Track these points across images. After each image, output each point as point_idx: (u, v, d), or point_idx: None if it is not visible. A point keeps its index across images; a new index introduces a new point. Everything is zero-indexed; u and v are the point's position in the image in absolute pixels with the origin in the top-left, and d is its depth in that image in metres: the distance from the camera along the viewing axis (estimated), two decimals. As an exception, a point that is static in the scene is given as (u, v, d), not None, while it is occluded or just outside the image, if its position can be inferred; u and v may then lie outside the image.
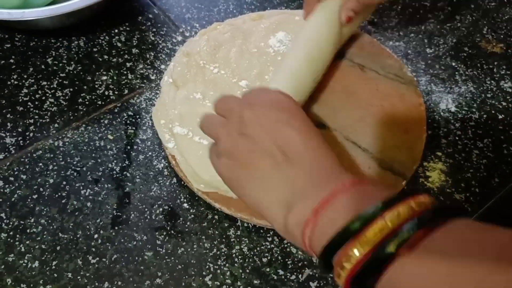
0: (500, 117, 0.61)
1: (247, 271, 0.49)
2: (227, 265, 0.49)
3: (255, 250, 0.50)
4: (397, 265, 0.27)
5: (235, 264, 0.49)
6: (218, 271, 0.49)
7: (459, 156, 0.57)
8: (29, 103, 0.62)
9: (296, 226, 0.34)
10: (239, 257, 0.50)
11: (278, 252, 0.50)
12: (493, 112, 0.61)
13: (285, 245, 0.50)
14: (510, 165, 0.57)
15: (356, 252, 0.28)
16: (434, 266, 0.26)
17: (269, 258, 0.50)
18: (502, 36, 0.70)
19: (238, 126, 0.40)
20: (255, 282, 0.48)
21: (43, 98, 0.62)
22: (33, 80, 0.64)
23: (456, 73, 0.65)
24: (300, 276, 0.48)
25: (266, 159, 0.37)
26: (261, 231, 0.51)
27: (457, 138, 0.59)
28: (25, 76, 0.64)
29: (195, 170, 0.52)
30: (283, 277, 0.49)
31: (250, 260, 0.50)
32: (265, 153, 0.38)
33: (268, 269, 0.49)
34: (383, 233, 0.28)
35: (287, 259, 0.49)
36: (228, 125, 0.41)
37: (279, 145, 0.37)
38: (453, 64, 0.67)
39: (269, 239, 0.51)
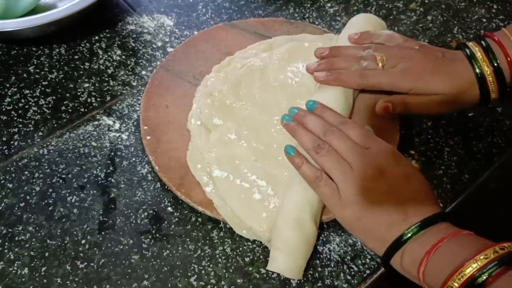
0: (469, 115, 0.64)
1: (231, 270, 0.51)
2: (211, 265, 0.51)
3: (238, 251, 0.52)
4: None
5: (219, 265, 0.51)
6: (203, 271, 0.51)
7: (431, 154, 0.60)
8: (12, 112, 0.63)
9: (411, 265, 0.43)
10: (223, 257, 0.52)
11: (260, 251, 0.52)
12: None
13: (267, 245, 0.52)
14: (480, 162, 0.59)
15: (455, 283, 0.39)
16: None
17: (251, 257, 0.52)
18: (472, 36, 0.73)
19: (364, 182, 0.46)
20: (239, 281, 0.50)
21: (26, 106, 0.63)
22: (15, 89, 0.65)
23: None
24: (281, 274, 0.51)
25: (392, 214, 0.45)
26: (243, 232, 0.53)
27: (429, 136, 0.61)
28: (8, 85, 0.65)
29: (238, 215, 0.52)
30: (265, 275, 0.51)
31: (233, 260, 0.52)
32: (390, 209, 0.46)
33: (250, 268, 0.51)
34: (474, 269, 0.39)
35: (268, 258, 0.51)
36: (354, 176, 0.47)
37: (402, 201, 0.46)
38: (425, 64, 0.69)
39: (251, 239, 0.53)
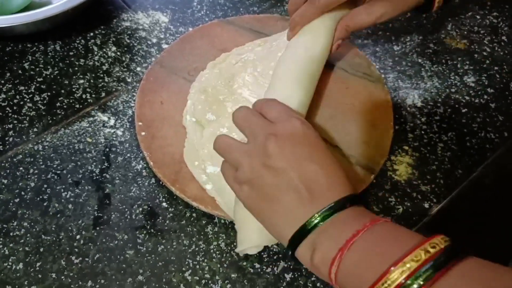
0: (463, 110, 0.64)
1: (225, 265, 0.51)
2: (205, 260, 0.51)
3: (232, 245, 0.52)
4: None
5: (213, 259, 0.51)
6: (197, 266, 0.51)
7: (425, 149, 0.60)
8: (7, 108, 0.63)
9: (321, 263, 0.37)
10: (217, 252, 0.52)
11: (254, 246, 0.52)
12: (456, 106, 0.64)
13: (261, 240, 0.53)
14: (473, 157, 0.60)
15: None
16: None
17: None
18: (465, 33, 0.73)
19: (262, 157, 0.42)
20: (233, 276, 0.51)
21: (21, 103, 0.63)
22: (10, 85, 0.65)
23: (422, 69, 0.68)
24: (275, 268, 0.51)
25: (291, 194, 0.40)
26: (238, 227, 0.54)
27: (423, 132, 0.62)
28: (2, 82, 0.65)
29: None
30: (259, 270, 0.51)
31: (228, 255, 0.52)
32: (290, 188, 0.40)
33: (245, 263, 0.51)
34: (404, 275, 0.32)
35: (262, 253, 0.52)
36: (250, 153, 0.43)
37: (303, 180, 0.40)
38: (419, 60, 0.69)
39: (246, 234, 0.53)
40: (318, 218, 0.38)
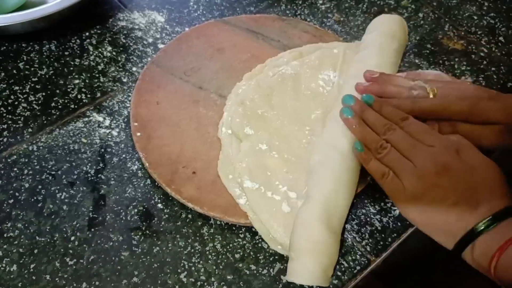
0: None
1: (221, 267, 0.51)
2: (201, 262, 0.51)
3: (228, 247, 0.52)
4: None
5: (209, 261, 0.51)
6: (193, 268, 0.51)
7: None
8: (1, 108, 0.62)
9: (483, 258, 0.43)
10: (213, 254, 0.52)
11: (250, 248, 0.52)
12: (454, 107, 0.64)
13: (257, 241, 0.52)
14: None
15: None
16: None
17: (241, 254, 0.52)
18: (463, 33, 0.73)
19: (429, 176, 0.46)
20: (229, 277, 0.50)
21: (16, 103, 0.63)
22: (5, 85, 0.65)
23: (420, 69, 0.68)
24: (271, 270, 0.51)
25: (462, 204, 0.45)
26: (234, 228, 0.53)
27: (420, 133, 0.61)
28: (-3, 81, 0.65)
29: (269, 230, 0.51)
30: (255, 271, 0.51)
31: (223, 256, 0.52)
32: (461, 199, 0.45)
33: (241, 265, 0.51)
34: None
35: (259, 255, 0.51)
36: (417, 172, 0.47)
37: (471, 190, 0.45)
38: (417, 61, 0.69)
39: (241, 235, 0.53)
40: (484, 225, 0.44)
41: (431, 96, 0.54)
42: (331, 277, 0.48)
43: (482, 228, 0.44)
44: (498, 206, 0.44)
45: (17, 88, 0.64)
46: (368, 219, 0.54)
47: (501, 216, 0.44)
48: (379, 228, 0.54)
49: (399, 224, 0.54)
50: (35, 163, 0.58)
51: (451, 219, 0.45)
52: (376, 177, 0.50)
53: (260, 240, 0.52)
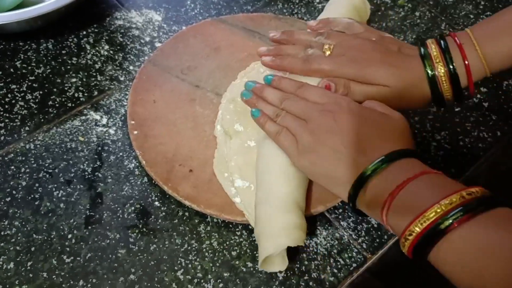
0: (456, 109, 0.64)
1: (217, 264, 0.51)
2: (198, 259, 0.51)
3: (225, 245, 0.52)
4: (446, 237, 0.37)
5: (206, 259, 0.51)
6: (190, 265, 0.51)
7: (418, 148, 0.60)
8: (-1, 107, 0.62)
9: (375, 205, 0.43)
10: (209, 251, 0.52)
11: (247, 245, 0.52)
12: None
13: (253, 239, 0.52)
14: (466, 156, 0.60)
15: (417, 228, 0.38)
16: (475, 236, 0.36)
17: (238, 251, 0.52)
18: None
19: (320, 131, 0.47)
20: (225, 275, 0.50)
21: (13, 101, 0.63)
22: (2, 84, 0.65)
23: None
24: (268, 267, 0.51)
25: (352, 151, 0.45)
26: (230, 226, 0.53)
27: (416, 131, 0.62)
28: (-6, 80, 0.65)
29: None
30: (252, 269, 0.51)
31: (220, 254, 0.52)
32: (350, 145, 0.45)
33: (237, 262, 0.51)
34: (438, 214, 0.37)
35: (255, 252, 0.52)
36: (308, 127, 0.48)
37: (361, 140, 0.45)
38: (413, 59, 0.69)
39: (238, 233, 0.53)
40: (372, 168, 0.43)
41: (327, 54, 0.56)
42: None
43: (370, 172, 0.43)
44: (389, 149, 0.44)
45: (14, 86, 0.65)
46: (364, 216, 0.54)
47: (392, 158, 0.43)
48: (375, 225, 0.54)
49: (395, 221, 0.54)
50: (32, 161, 0.58)
51: (342, 168, 0.45)
52: (271, 136, 0.51)
53: (256, 237, 0.53)
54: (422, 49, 0.53)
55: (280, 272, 0.50)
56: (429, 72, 0.51)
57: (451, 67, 0.51)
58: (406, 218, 0.39)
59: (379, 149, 0.44)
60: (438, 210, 0.37)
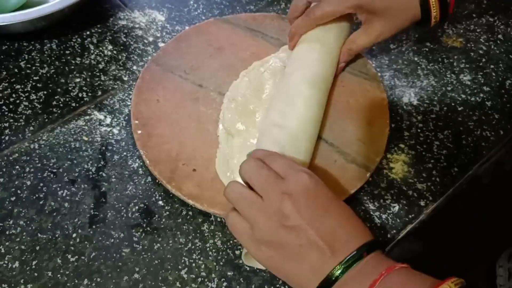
0: (459, 109, 0.64)
1: (221, 263, 0.51)
2: (201, 258, 0.51)
3: (228, 244, 0.52)
4: None
5: (209, 257, 0.52)
6: (193, 264, 0.51)
7: (421, 147, 0.60)
8: (3, 107, 0.63)
9: None
10: (213, 250, 0.52)
11: (250, 244, 0.52)
12: (452, 104, 0.64)
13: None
14: (469, 155, 0.60)
15: None
16: None
17: (241, 250, 0.52)
18: (461, 31, 0.73)
19: (279, 217, 0.42)
20: (229, 274, 0.51)
21: (17, 101, 0.63)
22: (6, 84, 0.65)
23: (418, 67, 0.68)
24: (271, 266, 0.51)
25: (314, 252, 0.41)
26: (234, 225, 0.54)
27: (419, 130, 0.62)
28: (-1, 80, 0.65)
29: None
30: (256, 268, 0.51)
31: (224, 253, 0.52)
32: (312, 246, 0.41)
33: (241, 261, 0.51)
34: None
35: (259, 251, 0.52)
36: (267, 211, 0.42)
37: (323, 235, 0.41)
38: (415, 59, 0.69)
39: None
40: (340, 270, 0.40)
41: None
42: None
43: (338, 273, 0.40)
44: (354, 246, 0.40)
45: (18, 86, 0.65)
46: (367, 215, 0.54)
47: (355, 259, 0.40)
48: (379, 224, 0.54)
49: (398, 221, 0.54)
50: (37, 161, 0.58)
51: (303, 267, 0.41)
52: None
53: (260, 236, 0.53)
54: None
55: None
56: None
57: None
58: None
59: (345, 244, 0.41)
60: None
